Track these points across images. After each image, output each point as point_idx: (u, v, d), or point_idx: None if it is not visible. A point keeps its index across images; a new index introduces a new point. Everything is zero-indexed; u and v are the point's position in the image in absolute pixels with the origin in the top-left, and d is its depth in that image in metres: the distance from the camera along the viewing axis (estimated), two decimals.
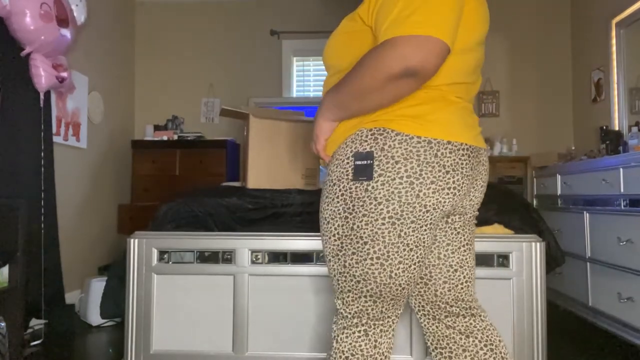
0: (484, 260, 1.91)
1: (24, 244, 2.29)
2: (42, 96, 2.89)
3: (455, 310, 1.23)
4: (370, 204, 1.06)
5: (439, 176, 1.05)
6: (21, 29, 2.66)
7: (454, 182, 1.07)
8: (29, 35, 2.68)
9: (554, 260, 2.07)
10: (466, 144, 1.08)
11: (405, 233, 1.07)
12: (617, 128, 3.52)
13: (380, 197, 1.05)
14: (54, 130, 3.21)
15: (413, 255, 1.10)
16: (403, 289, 1.12)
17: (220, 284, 2.00)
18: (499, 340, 1.23)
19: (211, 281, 2.01)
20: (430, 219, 1.08)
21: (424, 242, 1.10)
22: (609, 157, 2.69)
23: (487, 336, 1.23)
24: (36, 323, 2.75)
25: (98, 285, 2.89)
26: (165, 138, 4.12)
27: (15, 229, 2.25)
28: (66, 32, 2.88)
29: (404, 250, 1.08)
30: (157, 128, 4.29)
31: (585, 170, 2.88)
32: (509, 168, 3.98)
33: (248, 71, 4.57)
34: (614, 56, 3.58)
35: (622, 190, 2.47)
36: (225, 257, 2.01)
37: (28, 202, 2.59)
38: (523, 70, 4.35)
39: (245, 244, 2.00)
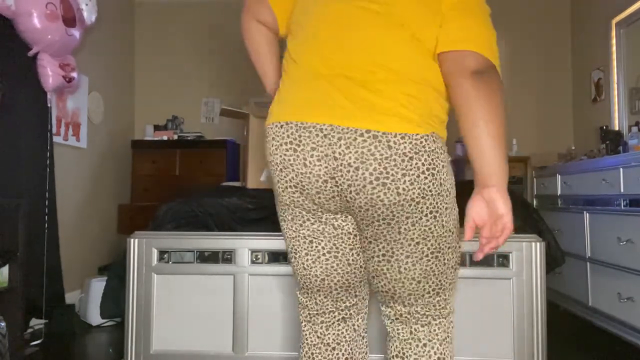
0: (484, 260, 1.91)
1: (24, 244, 2.29)
2: (49, 96, 2.92)
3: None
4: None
5: None
6: (27, 30, 2.68)
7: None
8: (35, 35, 2.70)
9: (554, 260, 2.08)
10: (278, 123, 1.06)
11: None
12: (617, 128, 3.52)
13: None
14: (54, 130, 3.21)
15: None
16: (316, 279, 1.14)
17: (220, 284, 2.00)
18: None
19: (211, 281, 2.01)
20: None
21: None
22: (609, 157, 2.68)
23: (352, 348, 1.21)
24: (36, 323, 2.75)
25: (98, 285, 2.89)
26: (165, 138, 4.12)
27: (15, 229, 2.25)
28: (73, 32, 2.88)
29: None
30: (157, 128, 4.29)
31: (585, 170, 2.88)
32: (509, 168, 3.98)
33: (248, 71, 4.57)
34: (614, 56, 3.57)
35: (622, 190, 2.47)
36: (225, 257, 2.01)
37: (28, 202, 2.59)
38: (523, 70, 4.35)
39: (245, 244, 2.00)
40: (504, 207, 0.98)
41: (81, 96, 3.61)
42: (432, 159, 0.99)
